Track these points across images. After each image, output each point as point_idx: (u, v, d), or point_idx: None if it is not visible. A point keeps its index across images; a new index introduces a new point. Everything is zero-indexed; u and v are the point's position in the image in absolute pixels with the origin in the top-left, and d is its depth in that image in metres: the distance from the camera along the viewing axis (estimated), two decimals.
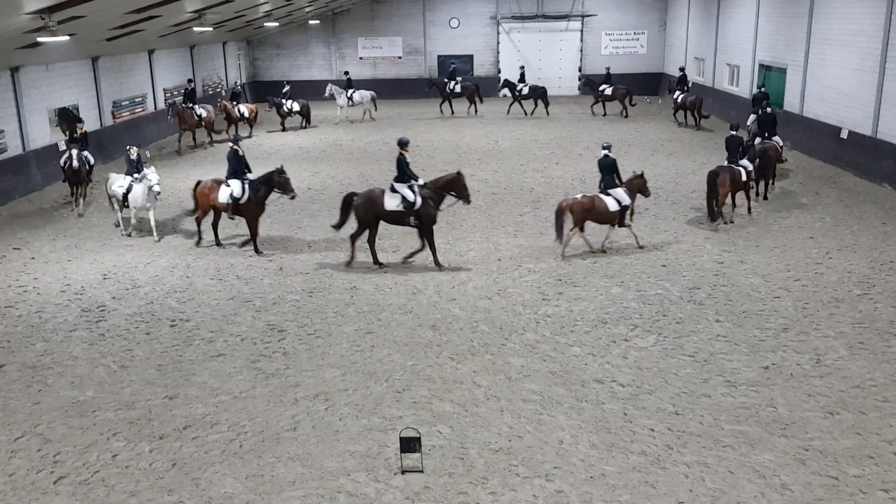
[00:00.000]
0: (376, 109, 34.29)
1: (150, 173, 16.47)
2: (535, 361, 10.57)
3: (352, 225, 14.82)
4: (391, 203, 14.17)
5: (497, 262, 14.82)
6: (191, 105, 27.62)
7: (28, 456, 8.57)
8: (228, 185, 15.56)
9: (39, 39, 17.90)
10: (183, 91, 28.80)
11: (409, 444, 8.04)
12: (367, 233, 14.55)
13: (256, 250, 15.63)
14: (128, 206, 16.83)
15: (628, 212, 15.08)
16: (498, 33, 42.24)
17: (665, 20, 41.81)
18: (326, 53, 42.57)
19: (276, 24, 36.77)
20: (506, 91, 35.25)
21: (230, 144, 16.11)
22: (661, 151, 25.78)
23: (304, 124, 32.47)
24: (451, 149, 27.08)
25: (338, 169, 24.04)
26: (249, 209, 15.51)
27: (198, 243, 16.26)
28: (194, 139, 28.18)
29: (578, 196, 15.12)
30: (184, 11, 23.47)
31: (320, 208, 19.26)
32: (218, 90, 37.30)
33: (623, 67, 41.32)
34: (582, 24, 41.92)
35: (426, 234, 14.37)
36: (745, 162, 17.36)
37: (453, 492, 7.76)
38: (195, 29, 26.89)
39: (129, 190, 16.69)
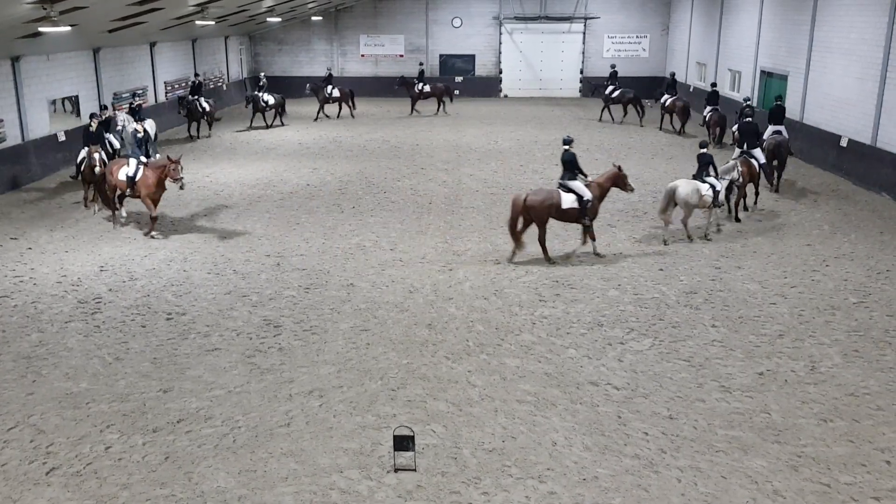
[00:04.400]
0: (155, 140, 24.36)
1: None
2: (530, 362, 10.58)
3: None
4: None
5: (494, 262, 14.82)
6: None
7: (21, 446, 8.55)
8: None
9: (41, 29, 17.88)
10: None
11: (403, 443, 8.04)
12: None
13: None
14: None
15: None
16: (500, 34, 42.25)
17: (668, 24, 41.86)
18: (328, 50, 42.56)
19: (279, 19, 36.80)
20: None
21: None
22: (660, 156, 25.81)
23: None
24: (452, 148, 27.08)
25: (337, 166, 24.04)
26: None
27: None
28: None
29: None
30: (186, 4, 23.46)
31: (318, 204, 19.25)
32: (219, 85, 37.28)
33: (625, 71, 41.30)
34: (584, 26, 41.94)
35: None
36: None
37: (446, 491, 7.76)
38: (197, 23, 26.87)
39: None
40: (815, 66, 24.65)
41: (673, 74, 32.37)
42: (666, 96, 31.04)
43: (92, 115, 20.60)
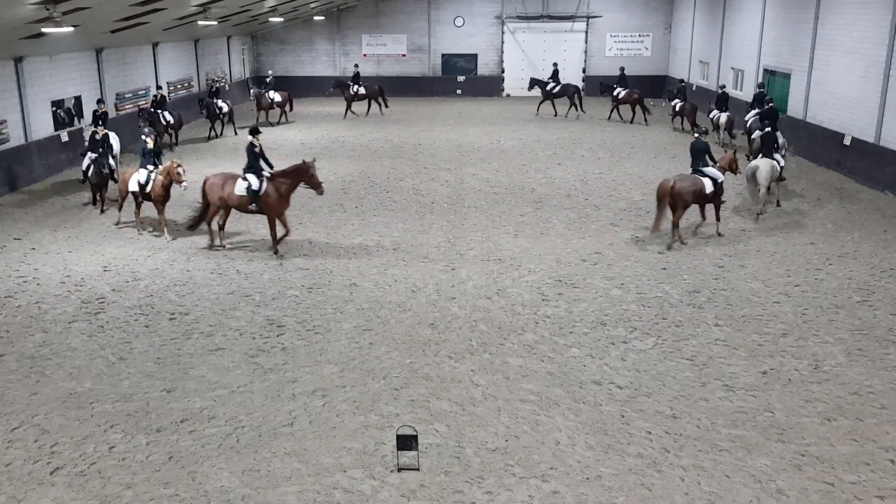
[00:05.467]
0: (118, 154, 21.07)
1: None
2: (533, 362, 10.58)
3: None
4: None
5: (497, 261, 14.82)
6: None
7: (25, 446, 8.57)
8: None
9: (44, 30, 17.90)
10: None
11: (406, 442, 8.05)
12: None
13: None
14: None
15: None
16: (503, 33, 42.23)
17: (670, 23, 41.79)
18: (330, 50, 42.58)
19: (281, 19, 36.82)
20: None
21: None
22: (663, 154, 25.78)
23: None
24: (454, 147, 27.08)
25: (339, 165, 24.04)
26: None
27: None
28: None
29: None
30: (189, 5, 23.47)
31: (321, 204, 19.25)
32: (221, 85, 37.29)
33: (627, 69, 41.25)
34: (587, 25, 41.91)
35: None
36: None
37: (449, 490, 7.76)
38: (199, 23, 26.89)
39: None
40: (819, 65, 24.60)
41: (622, 69, 34.64)
42: (619, 89, 32.82)
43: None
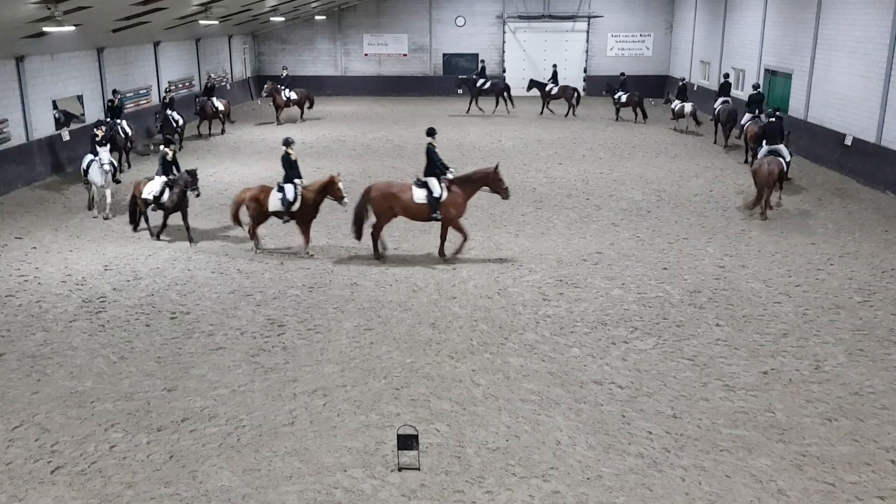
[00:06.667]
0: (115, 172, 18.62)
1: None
2: (534, 361, 10.58)
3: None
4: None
5: (498, 261, 14.82)
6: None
7: (26, 445, 8.58)
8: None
9: (45, 29, 17.91)
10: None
11: (407, 442, 8.05)
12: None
13: None
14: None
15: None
16: (504, 32, 42.23)
17: (671, 23, 41.77)
18: (332, 49, 42.59)
19: (283, 18, 36.84)
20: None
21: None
22: (664, 154, 25.78)
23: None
24: (455, 147, 27.07)
25: (340, 165, 24.03)
26: None
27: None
28: None
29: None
30: (190, 4, 23.49)
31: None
32: (223, 84, 37.30)
33: (628, 69, 41.25)
34: (588, 25, 41.89)
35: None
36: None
37: (450, 490, 7.77)
38: (201, 22, 26.89)
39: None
40: (820, 65, 24.58)
41: (555, 66, 36.50)
42: (551, 85, 34.77)
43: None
